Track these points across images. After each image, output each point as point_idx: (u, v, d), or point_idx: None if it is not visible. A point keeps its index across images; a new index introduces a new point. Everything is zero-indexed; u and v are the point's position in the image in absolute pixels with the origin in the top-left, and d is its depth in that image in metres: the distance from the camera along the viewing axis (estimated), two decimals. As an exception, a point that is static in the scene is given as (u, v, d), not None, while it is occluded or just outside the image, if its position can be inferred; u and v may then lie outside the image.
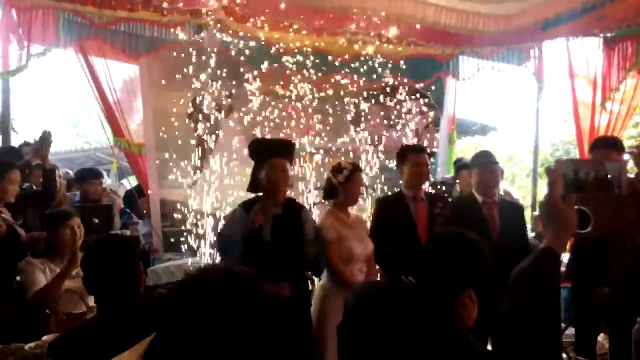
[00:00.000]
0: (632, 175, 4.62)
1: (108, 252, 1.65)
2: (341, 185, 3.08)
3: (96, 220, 3.96)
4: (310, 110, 4.86)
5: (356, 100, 5.13)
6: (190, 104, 4.59)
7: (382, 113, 5.34)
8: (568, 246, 4.06)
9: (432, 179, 5.43)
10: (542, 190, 5.47)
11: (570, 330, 4.39)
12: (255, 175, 2.96)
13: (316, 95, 4.90)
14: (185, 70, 4.44)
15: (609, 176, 1.06)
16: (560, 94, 6.47)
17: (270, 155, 2.91)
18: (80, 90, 4.47)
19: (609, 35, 5.11)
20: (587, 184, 1.07)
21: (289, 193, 3.27)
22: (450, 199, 4.92)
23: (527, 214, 4.31)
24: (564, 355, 4.37)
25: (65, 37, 4.16)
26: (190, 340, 0.96)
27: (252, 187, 3.00)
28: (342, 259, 3.00)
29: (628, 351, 1.99)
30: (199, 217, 4.37)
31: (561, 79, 5.64)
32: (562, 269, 3.93)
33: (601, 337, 4.18)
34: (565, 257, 3.98)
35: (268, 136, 4.48)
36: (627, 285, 2.81)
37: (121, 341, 1.24)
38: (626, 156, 4.39)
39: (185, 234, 4.34)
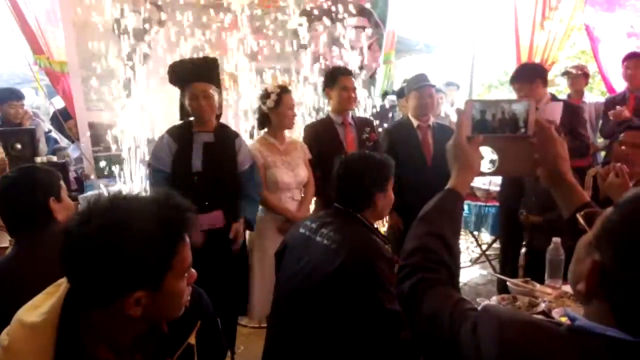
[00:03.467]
0: (564, 97, 4.78)
1: (11, 184, 1.54)
2: (271, 110, 2.97)
3: (18, 146, 3.72)
4: (250, 26, 4.57)
5: (300, 18, 4.86)
6: (116, 17, 4.18)
7: (325, 30, 5.11)
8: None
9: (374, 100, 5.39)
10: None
11: (497, 244, 4.71)
12: (182, 102, 2.77)
13: (256, 11, 4.60)
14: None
15: (516, 116, 1.06)
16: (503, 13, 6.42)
17: (189, 80, 2.65)
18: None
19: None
20: (494, 124, 1.07)
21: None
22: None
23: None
24: (490, 269, 4.71)
25: None
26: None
27: (182, 114, 2.82)
28: (268, 187, 2.98)
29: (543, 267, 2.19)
30: (129, 142, 4.15)
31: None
32: (496, 188, 4.11)
33: (524, 250, 4.48)
34: (498, 180, 4.14)
35: (201, 54, 4.20)
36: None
37: (31, 278, 1.19)
38: (558, 80, 4.51)
39: (115, 159, 4.13)
